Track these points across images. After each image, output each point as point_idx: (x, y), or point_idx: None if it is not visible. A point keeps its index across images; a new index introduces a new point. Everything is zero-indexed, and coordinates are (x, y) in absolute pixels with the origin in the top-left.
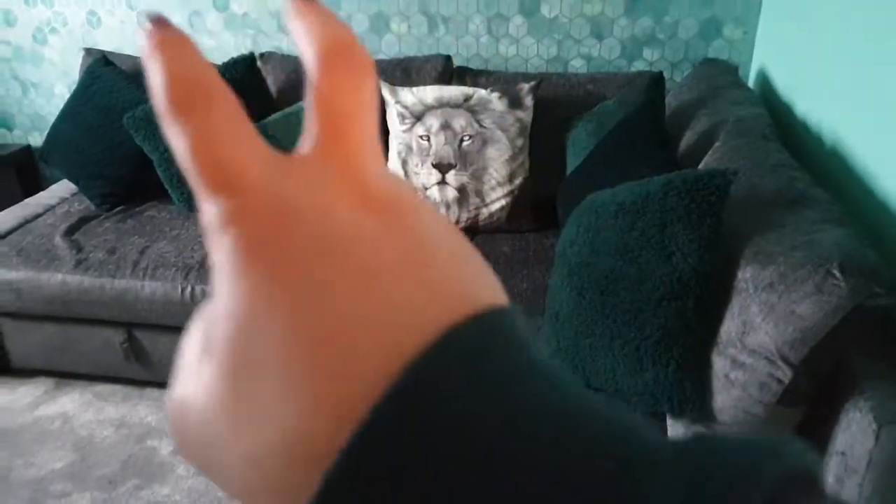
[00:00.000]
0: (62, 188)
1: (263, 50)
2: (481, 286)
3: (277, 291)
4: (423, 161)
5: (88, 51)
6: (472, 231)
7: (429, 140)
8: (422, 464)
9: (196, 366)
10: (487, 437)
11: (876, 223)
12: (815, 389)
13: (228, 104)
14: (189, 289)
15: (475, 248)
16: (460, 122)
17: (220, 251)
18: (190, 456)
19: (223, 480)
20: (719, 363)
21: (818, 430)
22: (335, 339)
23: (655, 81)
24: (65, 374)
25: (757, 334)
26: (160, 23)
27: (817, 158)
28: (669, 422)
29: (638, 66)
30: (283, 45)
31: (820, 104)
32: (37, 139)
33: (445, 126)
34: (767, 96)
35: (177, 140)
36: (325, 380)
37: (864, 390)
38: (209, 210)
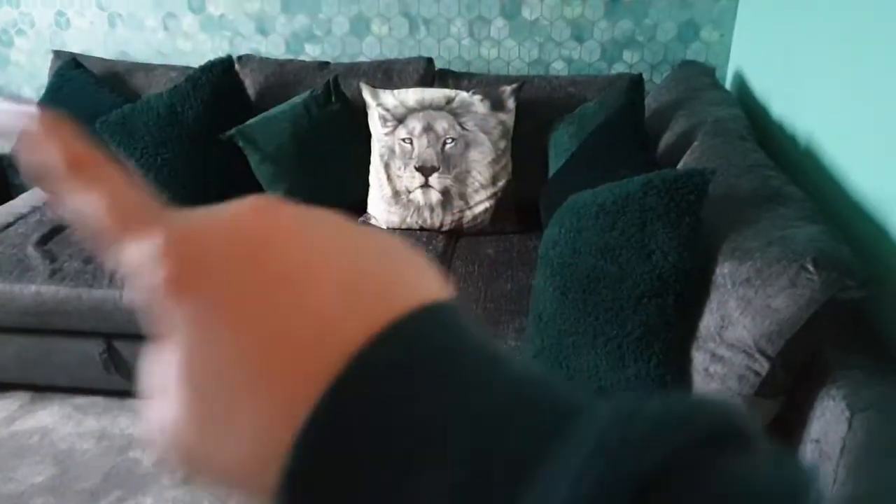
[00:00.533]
0: (33, 196)
1: (241, 52)
2: (415, 283)
3: (216, 309)
4: (405, 164)
5: (57, 53)
6: (457, 234)
7: (411, 143)
8: (370, 442)
9: (162, 402)
10: (425, 408)
11: (848, 220)
12: (791, 381)
13: (117, 165)
14: None
15: (431, 251)
16: (443, 124)
17: (152, 288)
18: (186, 466)
19: (218, 479)
20: (699, 357)
21: (795, 419)
22: (278, 343)
23: (635, 83)
24: (42, 388)
25: (735, 328)
26: (39, 110)
27: (792, 158)
28: None
29: (618, 68)
30: (260, 47)
31: (795, 105)
32: (4, 146)
33: (428, 129)
34: (744, 98)
35: (86, 203)
36: (278, 382)
37: (837, 380)
38: (133, 253)
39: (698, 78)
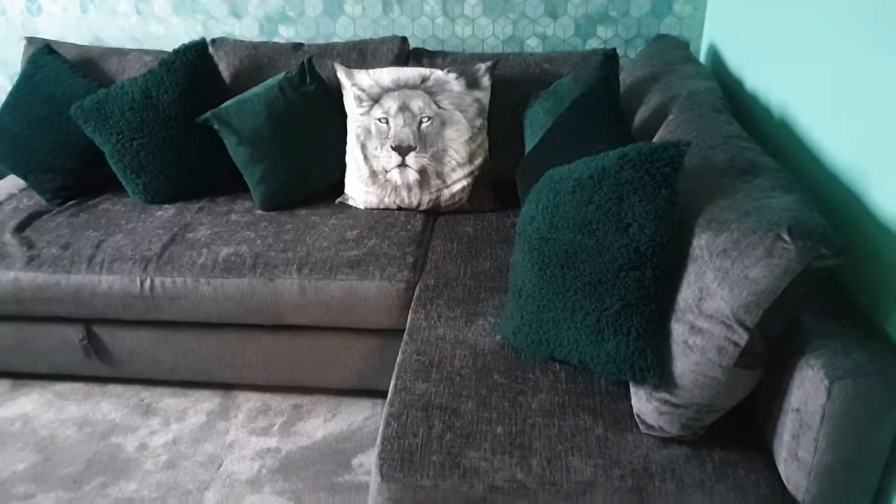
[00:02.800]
0: (9, 184)
1: (214, 36)
2: None
3: None
4: (382, 144)
5: (30, 40)
6: (435, 212)
7: (387, 122)
8: None
9: None
10: None
11: (821, 188)
12: (770, 351)
13: None
14: (148, 281)
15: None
16: (418, 103)
17: None
18: None
19: None
20: (678, 329)
21: (775, 389)
22: None
23: (609, 58)
24: (22, 375)
25: (713, 300)
26: None
27: (766, 129)
28: (633, 388)
29: (592, 43)
30: (234, 30)
31: (768, 77)
32: None
33: (404, 108)
34: (718, 70)
35: None
36: None
37: (815, 349)
38: None
39: (672, 52)
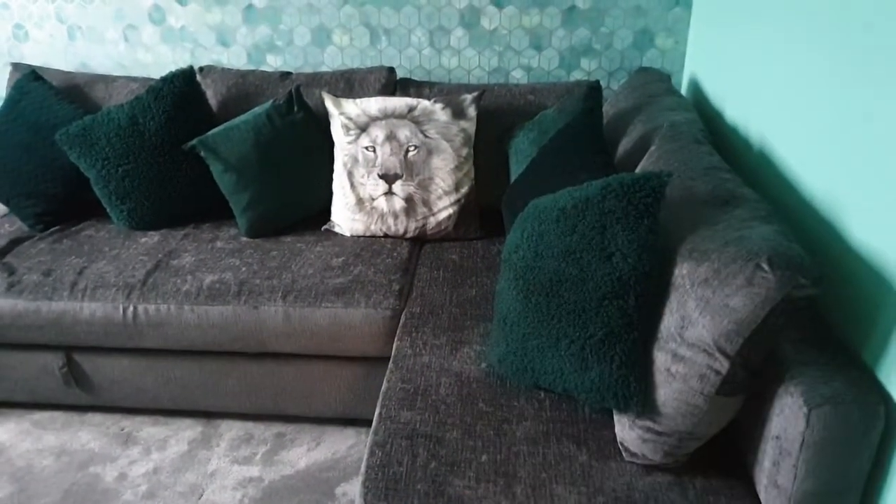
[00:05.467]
0: None
1: (202, 64)
2: None
3: None
4: (369, 172)
5: (16, 65)
6: (421, 240)
7: (374, 151)
8: None
9: None
10: None
11: (800, 219)
12: (751, 379)
13: None
14: (131, 308)
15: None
16: (405, 132)
17: None
18: None
19: None
20: (660, 358)
21: (756, 416)
22: None
23: (593, 90)
24: None
25: (695, 328)
26: None
27: (746, 160)
28: (616, 416)
29: (576, 75)
30: (222, 58)
31: (748, 109)
32: None
33: (391, 137)
34: (699, 102)
35: None
36: None
37: (795, 377)
38: None
39: (654, 84)
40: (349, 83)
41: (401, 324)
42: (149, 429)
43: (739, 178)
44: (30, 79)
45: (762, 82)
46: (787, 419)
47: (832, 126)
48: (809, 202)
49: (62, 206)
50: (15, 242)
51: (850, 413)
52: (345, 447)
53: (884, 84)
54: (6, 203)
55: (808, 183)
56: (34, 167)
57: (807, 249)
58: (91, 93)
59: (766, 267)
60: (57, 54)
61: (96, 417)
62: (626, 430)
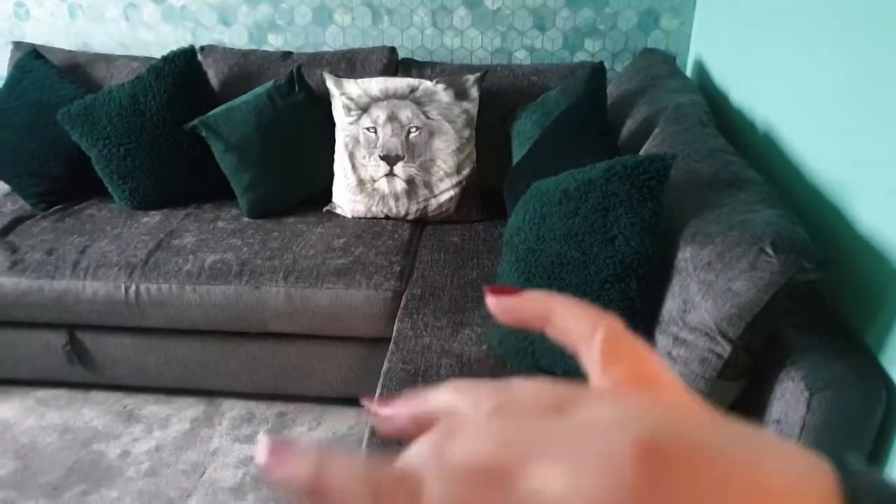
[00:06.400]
0: None
1: (203, 43)
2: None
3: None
4: (370, 153)
5: (17, 44)
6: (422, 222)
7: (376, 132)
8: None
9: None
10: None
11: (804, 202)
12: (753, 363)
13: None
14: (133, 287)
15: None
16: (406, 113)
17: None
18: None
19: None
20: (662, 341)
21: (757, 400)
22: None
23: (597, 71)
24: (2, 381)
25: (697, 312)
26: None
27: (751, 143)
28: None
29: (580, 56)
30: (223, 37)
31: (753, 92)
32: None
33: (392, 118)
34: (704, 84)
35: None
36: None
37: (796, 361)
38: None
39: (659, 66)
40: (351, 63)
41: (402, 305)
42: (151, 407)
43: (744, 161)
44: (31, 58)
45: (768, 64)
46: (789, 403)
47: (838, 109)
48: (814, 186)
49: (64, 185)
50: (17, 221)
51: (852, 398)
52: (345, 427)
53: (891, 66)
54: (8, 182)
55: (813, 166)
56: (36, 146)
57: (810, 233)
58: (92, 72)
59: (769, 251)
60: (58, 33)
61: (99, 395)
62: None
